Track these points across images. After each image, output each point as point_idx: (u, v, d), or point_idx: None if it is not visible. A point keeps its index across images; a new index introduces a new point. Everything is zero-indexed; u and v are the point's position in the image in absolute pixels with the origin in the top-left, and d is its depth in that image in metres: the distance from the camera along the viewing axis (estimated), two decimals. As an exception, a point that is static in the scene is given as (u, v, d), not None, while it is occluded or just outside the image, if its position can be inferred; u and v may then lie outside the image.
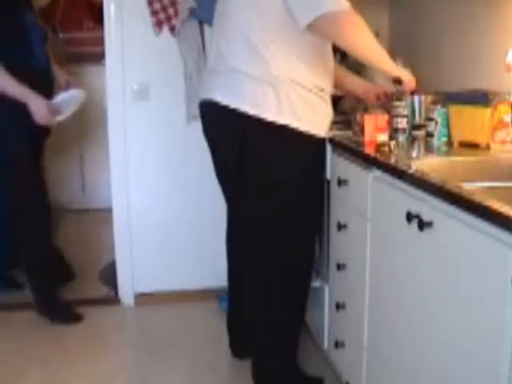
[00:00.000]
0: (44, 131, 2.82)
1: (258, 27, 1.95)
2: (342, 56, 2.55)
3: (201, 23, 2.84)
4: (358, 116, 2.11)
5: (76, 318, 2.86)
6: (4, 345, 2.68)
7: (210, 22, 2.39)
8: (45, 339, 2.72)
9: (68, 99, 2.78)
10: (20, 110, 2.58)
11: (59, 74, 2.95)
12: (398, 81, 2.02)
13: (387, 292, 1.74)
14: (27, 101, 2.59)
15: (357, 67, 2.55)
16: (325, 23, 1.86)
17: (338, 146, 2.10)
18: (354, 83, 2.39)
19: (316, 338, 2.49)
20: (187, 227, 3.08)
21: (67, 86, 2.90)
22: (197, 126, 2.30)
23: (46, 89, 2.75)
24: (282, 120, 1.96)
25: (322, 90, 2.03)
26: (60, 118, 2.74)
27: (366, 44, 1.95)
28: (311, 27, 1.87)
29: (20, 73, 2.58)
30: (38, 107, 2.60)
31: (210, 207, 2.96)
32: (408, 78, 2.03)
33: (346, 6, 1.86)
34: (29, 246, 2.85)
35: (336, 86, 2.17)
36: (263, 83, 1.96)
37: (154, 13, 2.85)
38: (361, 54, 1.97)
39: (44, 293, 2.88)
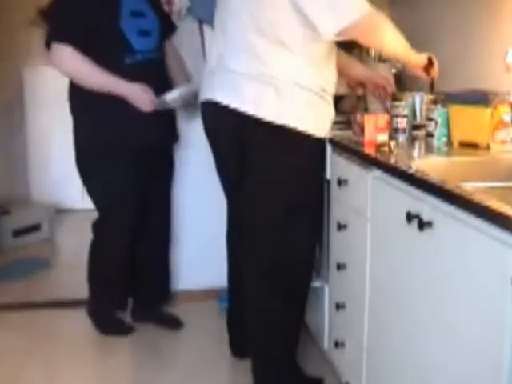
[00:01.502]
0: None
1: (258, 28, 1.95)
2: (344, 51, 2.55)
3: (201, 23, 2.85)
4: (358, 116, 2.11)
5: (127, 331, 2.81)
6: (3, 344, 2.68)
7: (209, 22, 2.39)
8: (44, 339, 2.72)
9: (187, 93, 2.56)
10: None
11: (175, 75, 2.72)
12: (430, 63, 2.06)
13: (387, 292, 1.74)
14: (122, 92, 2.45)
15: (359, 61, 2.55)
16: (352, 31, 1.87)
17: (338, 145, 2.10)
18: (358, 69, 2.40)
19: (316, 338, 2.49)
20: (186, 227, 3.07)
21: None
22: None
23: (157, 85, 2.53)
24: (281, 120, 1.96)
25: (324, 90, 2.03)
26: (171, 100, 2.52)
27: (392, 42, 1.97)
28: (336, 34, 1.88)
29: (117, 72, 2.45)
30: (134, 95, 2.46)
31: (210, 207, 2.95)
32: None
33: (368, 8, 1.87)
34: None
35: (340, 72, 2.16)
36: (264, 84, 1.96)
37: None
38: (388, 52, 2.04)
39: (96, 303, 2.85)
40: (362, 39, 1.99)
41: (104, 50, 2.46)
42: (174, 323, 2.86)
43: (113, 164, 2.55)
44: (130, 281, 2.86)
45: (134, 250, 2.83)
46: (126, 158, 2.56)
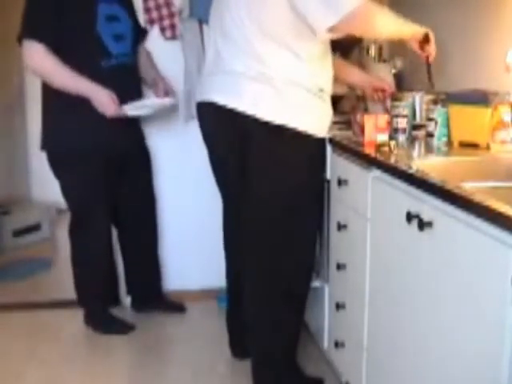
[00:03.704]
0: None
1: (257, 28, 1.95)
2: (341, 55, 2.55)
3: (201, 23, 2.85)
4: (358, 116, 2.11)
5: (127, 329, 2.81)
6: (4, 345, 2.68)
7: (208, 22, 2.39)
8: (45, 339, 2.72)
9: (154, 105, 2.64)
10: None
11: (147, 72, 2.79)
12: (426, 40, 2.03)
13: (387, 292, 1.74)
14: (88, 94, 2.48)
15: (356, 66, 2.56)
16: (345, 24, 1.85)
17: (338, 145, 2.10)
18: (355, 75, 2.40)
19: (316, 338, 2.49)
20: (186, 227, 3.08)
21: (155, 86, 2.76)
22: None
23: (130, 90, 2.62)
24: (279, 120, 1.96)
25: (322, 90, 2.03)
26: (133, 112, 2.59)
27: (387, 28, 1.95)
28: (330, 29, 1.87)
29: (92, 75, 2.48)
30: (99, 98, 2.48)
31: (209, 207, 2.95)
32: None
33: (358, 0, 1.83)
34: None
35: (337, 79, 2.16)
36: (262, 83, 1.96)
37: (147, 10, 2.85)
38: (385, 37, 2.12)
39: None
40: (356, 31, 1.97)
41: (80, 52, 2.49)
42: (177, 308, 2.94)
43: (82, 165, 2.59)
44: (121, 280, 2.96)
45: (123, 252, 2.93)
46: (95, 159, 2.59)
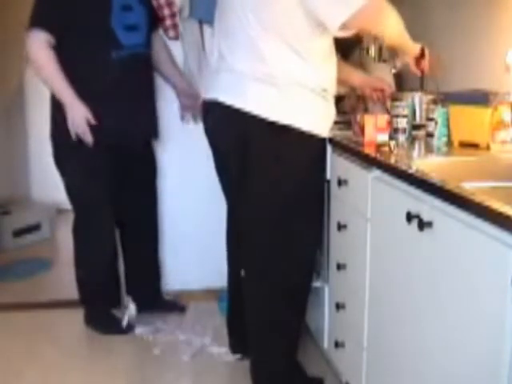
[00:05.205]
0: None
1: (261, 28, 1.95)
2: (342, 56, 2.55)
3: (201, 23, 2.85)
4: (358, 116, 2.12)
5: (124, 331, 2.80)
6: (4, 345, 2.68)
7: (209, 22, 2.39)
8: (45, 339, 2.72)
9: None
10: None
11: (162, 64, 2.80)
12: (422, 54, 2.09)
13: (387, 292, 1.74)
14: (66, 103, 2.48)
15: (356, 66, 2.56)
16: (357, 20, 1.87)
17: (338, 145, 2.10)
18: (354, 76, 2.41)
19: (316, 338, 2.49)
20: (187, 227, 3.08)
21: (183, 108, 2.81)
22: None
23: (142, 80, 2.64)
24: (284, 120, 1.96)
25: (325, 90, 2.04)
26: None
27: (393, 29, 2.00)
28: (342, 25, 1.88)
29: (102, 66, 2.49)
30: (74, 113, 2.48)
31: (210, 207, 2.96)
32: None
33: None
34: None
35: (337, 80, 2.17)
36: (266, 84, 1.96)
37: None
38: (389, 39, 2.08)
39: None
40: (367, 26, 2.00)
41: (91, 44, 2.48)
42: (177, 308, 2.95)
43: (89, 156, 2.57)
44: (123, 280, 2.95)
45: (124, 252, 2.91)
46: (102, 150, 2.57)
